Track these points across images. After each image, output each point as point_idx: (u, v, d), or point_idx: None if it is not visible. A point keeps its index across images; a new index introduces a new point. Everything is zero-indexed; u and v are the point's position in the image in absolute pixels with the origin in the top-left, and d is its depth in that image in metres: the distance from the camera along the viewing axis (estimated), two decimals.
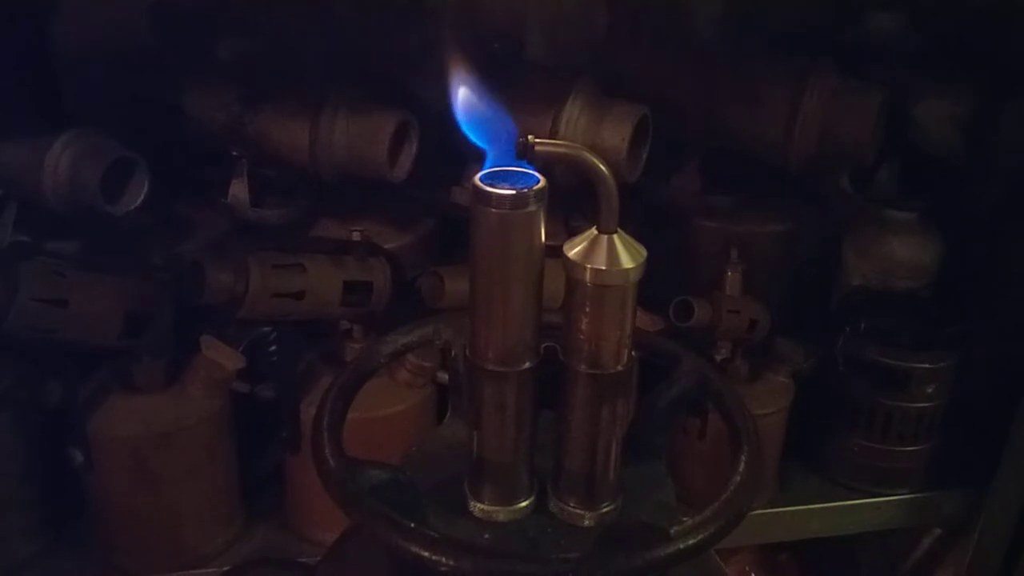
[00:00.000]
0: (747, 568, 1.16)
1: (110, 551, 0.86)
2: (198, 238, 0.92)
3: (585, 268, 0.38)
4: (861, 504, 1.00)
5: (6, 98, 0.85)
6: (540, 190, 0.37)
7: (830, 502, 1.00)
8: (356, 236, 0.85)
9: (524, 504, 0.43)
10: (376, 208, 0.94)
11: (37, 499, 0.86)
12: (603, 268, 0.38)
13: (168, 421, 0.81)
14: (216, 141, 0.88)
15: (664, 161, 0.93)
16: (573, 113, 0.82)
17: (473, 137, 0.39)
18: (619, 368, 0.40)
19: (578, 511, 0.42)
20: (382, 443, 0.69)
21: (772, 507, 0.98)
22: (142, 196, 0.81)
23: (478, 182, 0.37)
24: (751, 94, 0.93)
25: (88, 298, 0.75)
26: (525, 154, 0.37)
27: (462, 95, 0.39)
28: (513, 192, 0.36)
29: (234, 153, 0.87)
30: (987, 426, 0.99)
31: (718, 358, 0.93)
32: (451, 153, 0.85)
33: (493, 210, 0.37)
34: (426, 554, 0.37)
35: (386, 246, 0.88)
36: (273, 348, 0.86)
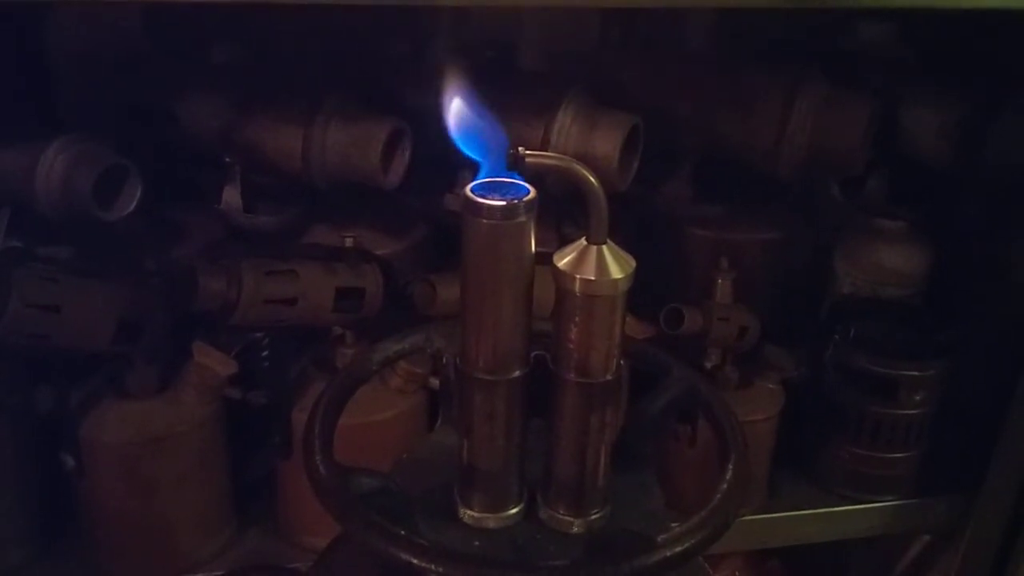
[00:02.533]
0: (736, 574, 1.16)
1: (102, 556, 0.86)
2: (191, 244, 0.92)
3: (574, 278, 0.38)
4: (850, 511, 1.01)
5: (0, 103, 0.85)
6: (530, 201, 0.37)
7: (819, 508, 1.01)
8: (349, 242, 0.85)
9: (513, 511, 0.43)
10: (369, 215, 0.94)
11: (29, 505, 0.85)
12: (592, 278, 0.38)
13: (160, 427, 0.81)
14: (209, 147, 0.88)
15: (655, 169, 0.94)
16: (565, 122, 0.82)
17: (464, 149, 0.40)
18: (608, 377, 0.40)
19: (567, 518, 0.43)
20: (373, 449, 0.69)
21: (762, 513, 0.98)
22: (135, 202, 0.81)
23: (469, 193, 0.37)
24: (742, 102, 0.93)
25: (81, 304, 0.75)
26: (516, 166, 0.37)
27: (454, 108, 0.40)
28: (504, 203, 0.37)
29: (227, 159, 0.88)
30: (976, 433, 0.99)
31: (708, 365, 0.94)
32: (444, 160, 0.85)
33: (484, 221, 0.37)
34: (416, 562, 0.37)
35: (378, 252, 0.88)
36: (265, 354, 0.86)
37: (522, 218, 0.37)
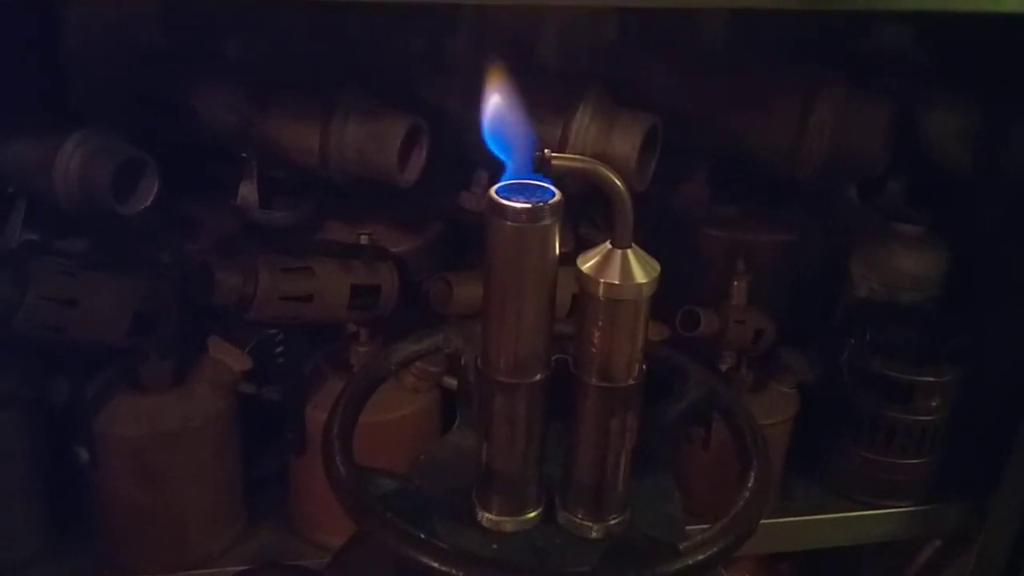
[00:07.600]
0: None
1: (114, 549, 0.86)
2: (206, 238, 0.92)
3: (598, 282, 0.38)
4: (863, 515, 1.00)
5: (16, 96, 0.85)
6: (556, 204, 0.37)
7: (832, 512, 1.00)
8: (364, 239, 0.85)
9: (532, 515, 0.43)
10: (384, 212, 0.94)
11: (42, 497, 0.86)
12: (616, 283, 0.38)
13: (174, 421, 0.81)
14: (226, 141, 0.88)
15: (672, 170, 0.93)
16: (584, 121, 0.82)
17: (494, 149, 0.39)
18: (630, 382, 0.40)
19: (586, 523, 0.42)
20: (387, 447, 0.69)
21: (774, 516, 0.98)
22: (152, 196, 0.81)
23: (494, 195, 0.37)
24: (761, 104, 0.93)
25: (97, 297, 0.75)
26: (542, 168, 0.37)
27: (492, 107, 0.39)
28: (529, 206, 0.37)
29: (244, 154, 0.87)
30: (989, 438, 0.99)
31: (723, 367, 0.93)
32: (460, 157, 0.85)
33: (509, 223, 0.37)
34: (434, 564, 0.37)
35: (394, 250, 0.88)
36: (280, 350, 0.86)
37: (547, 221, 0.37)
